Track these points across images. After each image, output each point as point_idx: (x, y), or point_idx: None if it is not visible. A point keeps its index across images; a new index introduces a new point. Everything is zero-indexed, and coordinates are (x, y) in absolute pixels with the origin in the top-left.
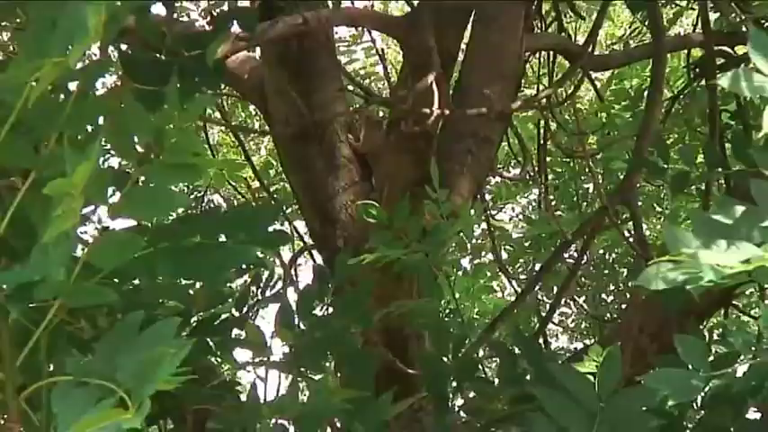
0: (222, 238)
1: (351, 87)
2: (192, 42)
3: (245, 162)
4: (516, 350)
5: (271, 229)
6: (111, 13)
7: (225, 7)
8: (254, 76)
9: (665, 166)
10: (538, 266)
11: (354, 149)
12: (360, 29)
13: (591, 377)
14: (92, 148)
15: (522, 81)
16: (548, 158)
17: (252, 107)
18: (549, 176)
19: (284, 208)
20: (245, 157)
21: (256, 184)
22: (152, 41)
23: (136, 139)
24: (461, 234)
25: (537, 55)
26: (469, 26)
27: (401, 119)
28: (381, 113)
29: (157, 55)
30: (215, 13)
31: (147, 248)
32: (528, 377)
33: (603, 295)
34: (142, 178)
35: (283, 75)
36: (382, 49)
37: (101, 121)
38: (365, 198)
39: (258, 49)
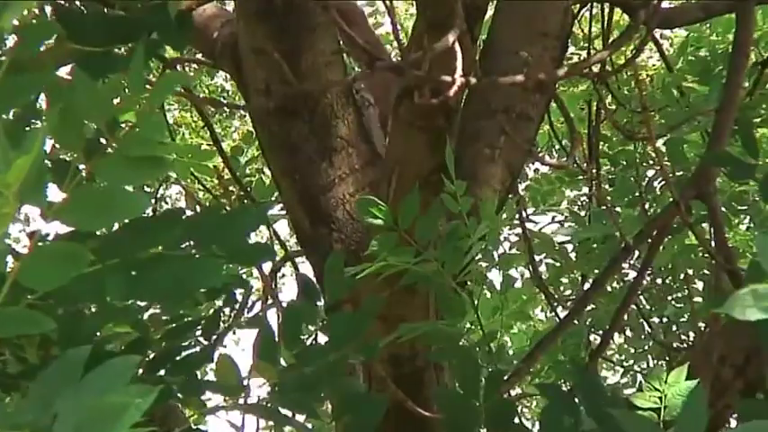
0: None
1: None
2: None
3: (214, 150)
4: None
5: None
6: None
7: None
8: (226, 35)
9: (755, 162)
10: (588, 284)
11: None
12: None
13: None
14: (33, 137)
15: (570, 41)
16: (601, 143)
17: (221, 76)
18: (603, 165)
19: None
20: (213, 139)
21: (227, 174)
22: None
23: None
24: (486, 240)
25: (588, 6)
26: None
27: (414, 89)
28: None
29: (104, 7)
30: None
31: (93, 264)
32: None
33: (666, 316)
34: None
35: (264, 31)
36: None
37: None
38: (368, 190)
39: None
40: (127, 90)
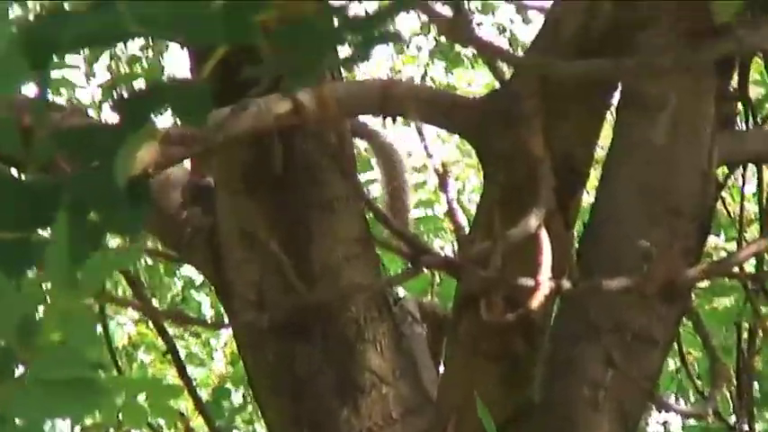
0: None
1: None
2: (83, 146)
3: (178, 384)
4: None
5: None
6: None
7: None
8: (199, 214)
9: None
10: None
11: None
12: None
13: None
14: None
15: (712, 223)
16: (756, 382)
17: (192, 273)
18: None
19: None
20: (178, 370)
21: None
22: (7, 147)
23: None
24: None
25: (738, 171)
26: (610, 117)
27: (480, 297)
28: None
29: (17, 173)
30: (122, 93)
31: None
32: None
33: None
34: None
35: (256, 208)
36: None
37: None
38: None
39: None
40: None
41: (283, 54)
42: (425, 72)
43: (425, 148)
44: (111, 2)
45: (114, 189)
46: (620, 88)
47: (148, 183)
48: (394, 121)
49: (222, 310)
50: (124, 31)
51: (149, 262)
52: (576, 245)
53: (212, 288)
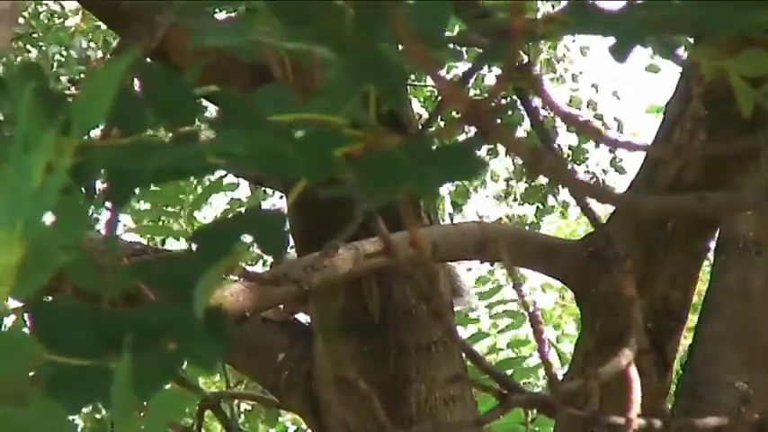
0: None
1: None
2: (161, 277)
3: None
4: None
5: None
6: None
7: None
8: (297, 357)
9: None
10: None
11: None
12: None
13: None
14: None
15: None
16: None
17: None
18: None
19: None
20: None
21: None
22: (85, 283)
23: None
24: None
25: None
26: (709, 262)
27: None
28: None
29: (92, 305)
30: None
31: None
32: None
33: None
34: None
35: (351, 352)
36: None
37: None
38: None
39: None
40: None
41: (368, 186)
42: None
43: (517, 289)
44: (192, 136)
45: (192, 320)
46: (718, 232)
47: (228, 316)
48: (492, 264)
49: None
50: (205, 164)
51: (248, 407)
52: (674, 386)
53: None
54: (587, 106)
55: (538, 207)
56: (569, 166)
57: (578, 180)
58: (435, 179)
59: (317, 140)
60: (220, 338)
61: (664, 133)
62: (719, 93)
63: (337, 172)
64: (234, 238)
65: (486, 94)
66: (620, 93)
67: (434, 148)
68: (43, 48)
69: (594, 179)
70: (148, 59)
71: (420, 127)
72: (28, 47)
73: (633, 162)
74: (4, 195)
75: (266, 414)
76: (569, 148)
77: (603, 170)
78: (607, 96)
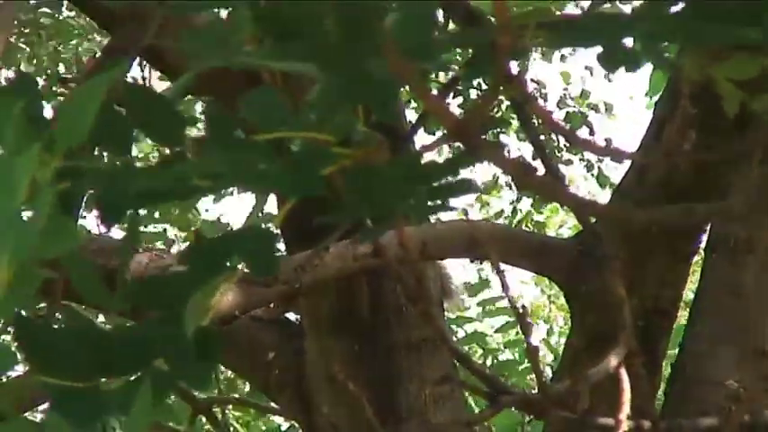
0: None
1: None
2: (158, 295)
3: None
4: None
5: None
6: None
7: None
8: (288, 357)
9: None
10: None
11: None
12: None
13: None
14: None
15: None
16: None
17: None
18: None
19: None
20: None
21: None
22: (90, 295)
23: None
24: None
25: None
26: (699, 261)
27: None
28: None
29: (88, 323)
30: (192, 240)
31: None
32: None
33: None
34: None
35: (342, 350)
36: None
37: None
38: None
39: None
40: None
41: (356, 202)
42: (514, 208)
43: (506, 291)
44: (178, 160)
45: (183, 339)
46: (708, 231)
47: (220, 335)
48: (481, 262)
49: None
50: (192, 186)
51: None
52: (664, 385)
53: None
54: (581, 96)
55: (536, 197)
56: (561, 174)
57: (568, 193)
58: (426, 201)
59: (305, 159)
60: (211, 359)
61: (653, 132)
62: (709, 90)
63: (325, 190)
64: (225, 257)
65: (473, 111)
66: (611, 76)
67: (425, 165)
68: (41, 44)
69: (591, 168)
70: (143, 60)
71: (407, 131)
72: (24, 45)
73: (628, 150)
74: None
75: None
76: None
77: (599, 158)
78: (600, 79)
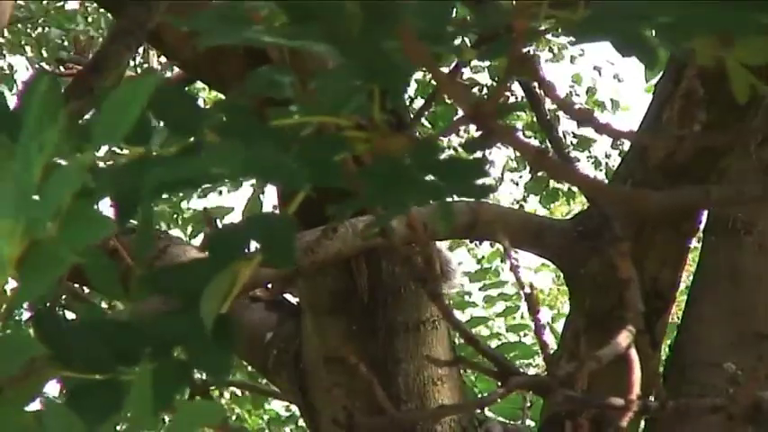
0: None
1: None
2: (175, 285)
3: None
4: None
5: None
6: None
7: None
8: (284, 337)
9: None
10: None
11: None
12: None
13: None
14: None
15: None
16: None
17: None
18: None
19: None
20: None
21: None
22: (103, 286)
23: None
24: None
25: None
26: (698, 243)
27: (566, 418)
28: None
29: (102, 314)
30: (211, 228)
31: None
32: None
33: None
34: None
35: (341, 331)
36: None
37: None
38: None
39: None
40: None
41: (370, 190)
42: (521, 206)
43: (516, 275)
44: (193, 149)
45: (201, 329)
46: (706, 213)
47: (235, 322)
48: (481, 243)
49: None
50: (207, 175)
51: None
52: (662, 368)
53: (297, 424)
54: (587, 92)
55: (543, 194)
56: (572, 158)
57: (581, 175)
58: (444, 195)
59: (319, 147)
60: (228, 347)
61: (653, 113)
62: (711, 70)
63: (341, 180)
64: (243, 244)
65: (488, 94)
66: (621, 75)
67: (443, 158)
68: (44, 30)
69: (599, 165)
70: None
71: (412, 117)
72: (28, 29)
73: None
74: (8, 188)
75: (252, 400)
76: (574, 136)
77: (607, 154)
78: (608, 79)
